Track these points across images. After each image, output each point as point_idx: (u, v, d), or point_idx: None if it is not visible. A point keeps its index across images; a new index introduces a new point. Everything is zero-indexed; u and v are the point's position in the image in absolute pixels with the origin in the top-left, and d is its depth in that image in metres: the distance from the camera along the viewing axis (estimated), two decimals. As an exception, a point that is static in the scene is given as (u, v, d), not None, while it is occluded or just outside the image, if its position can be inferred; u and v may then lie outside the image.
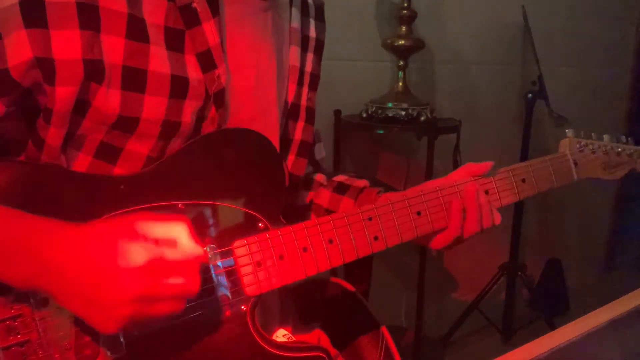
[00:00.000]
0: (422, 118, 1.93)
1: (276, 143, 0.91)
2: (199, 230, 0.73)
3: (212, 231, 0.75)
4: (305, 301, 1.03)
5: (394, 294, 2.32)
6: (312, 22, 0.98)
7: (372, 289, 1.28)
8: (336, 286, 1.04)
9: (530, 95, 2.27)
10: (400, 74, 2.00)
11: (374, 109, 1.95)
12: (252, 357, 0.77)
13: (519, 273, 2.47)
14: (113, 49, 0.69)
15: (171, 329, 0.71)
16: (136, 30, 0.70)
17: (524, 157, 2.28)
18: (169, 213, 0.71)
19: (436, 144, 1.92)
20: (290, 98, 0.94)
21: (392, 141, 2.23)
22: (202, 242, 0.73)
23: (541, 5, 2.50)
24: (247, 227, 0.77)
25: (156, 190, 0.73)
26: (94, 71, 0.69)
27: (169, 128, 0.75)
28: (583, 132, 1.03)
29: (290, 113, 0.95)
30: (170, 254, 0.64)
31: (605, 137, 1.05)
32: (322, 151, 1.11)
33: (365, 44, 2.05)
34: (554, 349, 0.90)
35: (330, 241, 0.80)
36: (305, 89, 0.97)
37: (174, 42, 0.74)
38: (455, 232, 0.87)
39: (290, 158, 0.96)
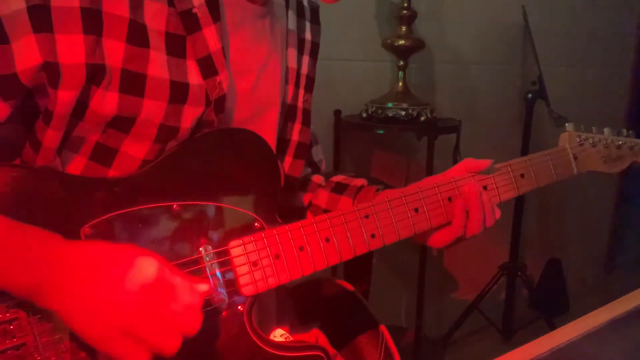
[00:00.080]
0: (422, 118, 1.92)
1: (273, 144, 0.91)
2: (194, 231, 0.73)
3: (208, 231, 0.75)
4: (304, 301, 1.02)
5: (394, 293, 2.31)
6: (308, 25, 0.99)
7: (372, 289, 1.27)
8: (336, 286, 1.04)
9: (530, 95, 2.27)
10: (400, 74, 2.00)
11: (374, 109, 1.95)
12: (250, 358, 0.76)
13: (519, 273, 2.47)
14: (113, 52, 0.69)
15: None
16: (137, 35, 0.70)
17: (524, 156, 2.28)
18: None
19: (436, 144, 1.92)
20: (289, 99, 0.94)
21: (392, 141, 2.22)
22: (198, 242, 0.73)
23: (541, 5, 2.50)
24: (243, 227, 0.77)
25: (151, 191, 0.73)
26: (95, 75, 0.69)
27: (166, 132, 0.75)
28: (583, 126, 1.03)
29: (288, 114, 0.95)
30: (174, 305, 0.64)
31: (606, 130, 1.05)
32: (319, 153, 1.11)
33: (365, 43, 2.05)
34: (554, 349, 0.89)
35: (327, 240, 0.79)
36: (301, 91, 0.97)
37: (175, 47, 0.74)
38: (458, 232, 0.87)
39: (287, 159, 0.96)
